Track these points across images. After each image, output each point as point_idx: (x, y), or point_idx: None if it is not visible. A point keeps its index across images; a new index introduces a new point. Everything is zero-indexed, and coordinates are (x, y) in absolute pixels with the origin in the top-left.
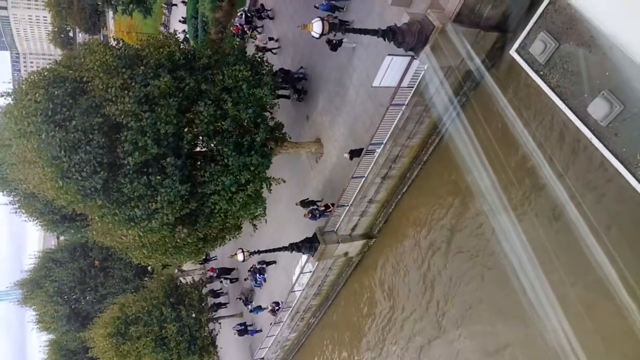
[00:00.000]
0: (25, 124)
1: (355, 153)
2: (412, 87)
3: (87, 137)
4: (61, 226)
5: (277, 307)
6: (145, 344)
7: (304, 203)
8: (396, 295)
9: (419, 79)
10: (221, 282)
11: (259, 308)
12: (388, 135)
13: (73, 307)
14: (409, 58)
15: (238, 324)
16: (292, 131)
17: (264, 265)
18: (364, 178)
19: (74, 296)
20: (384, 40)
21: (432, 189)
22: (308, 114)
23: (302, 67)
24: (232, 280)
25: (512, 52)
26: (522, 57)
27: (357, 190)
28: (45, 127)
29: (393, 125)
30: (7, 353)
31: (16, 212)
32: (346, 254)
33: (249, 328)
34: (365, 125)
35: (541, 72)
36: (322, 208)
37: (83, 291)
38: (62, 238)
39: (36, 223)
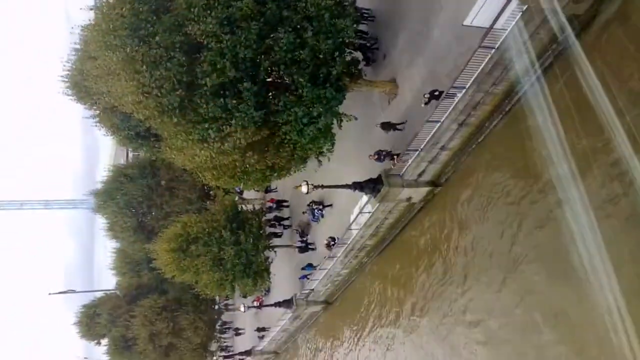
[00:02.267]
0: (111, 37)
1: (434, 96)
2: (506, 29)
3: (169, 54)
4: (135, 142)
5: (333, 243)
6: (204, 262)
7: (385, 125)
8: (454, 250)
9: (516, 20)
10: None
11: (310, 266)
12: (472, 80)
13: (140, 220)
14: None
15: (299, 240)
16: (367, 69)
17: (320, 207)
18: (439, 123)
19: (141, 211)
20: None
21: (510, 143)
22: (385, 53)
23: (375, 40)
24: (285, 227)
25: None
26: None
27: (430, 135)
28: (129, 42)
29: (479, 70)
30: (77, 255)
31: (96, 126)
32: (409, 199)
33: (309, 246)
34: (447, 67)
35: None
36: (388, 157)
37: (150, 207)
38: (131, 155)
39: (112, 137)
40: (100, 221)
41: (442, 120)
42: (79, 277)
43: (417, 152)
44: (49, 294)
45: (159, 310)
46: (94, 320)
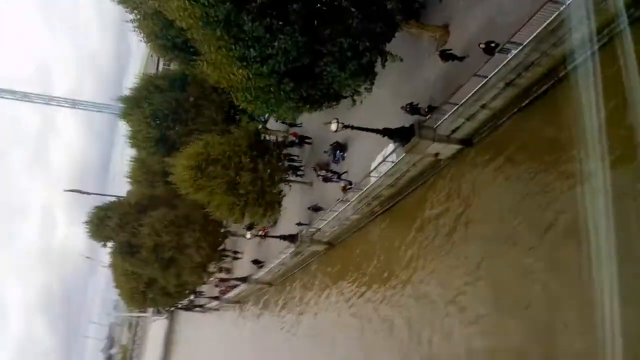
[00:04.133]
0: None
1: (489, 47)
2: None
3: None
4: (171, 53)
5: (349, 187)
6: (219, 184)
7: (445, 54)
8: (471, 217)
9: None
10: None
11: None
12: (532, 37)
13: (163, 133)
14: None
15: (324, 170)
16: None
17: (339, 151)
18: (486, 79)
19: (166, 124)
20: None
21: (554, 115)
22: None
23: None
24: (298, 175)
25: None
26: None
27: (474, 91)
28: None
29: (542, 26)
30: (95, 159)
31: (134, 31)
32: (437, 154)
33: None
34: (508, 21)
35: None
36: (426, 110)
37: (174, 121)
38: (161, 68)
39: (149, 45)
40: (122, 128)
41: (489, 76)
42: (93, 179)
43: (457, 106)
44: (64, 190)
45: (166, 223)
46: (104, 222)
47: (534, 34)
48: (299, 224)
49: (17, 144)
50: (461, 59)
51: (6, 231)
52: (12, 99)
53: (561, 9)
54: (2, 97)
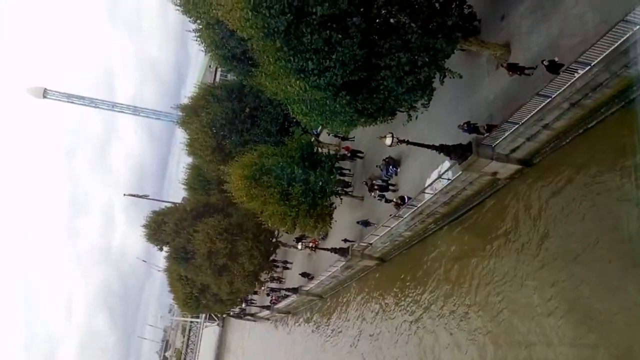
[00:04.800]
0: None
1: (553, 65)
2: None
3: None
4: (229, 63)
5: (402, 202)
6: (272, 194)
7: (512, 66)
8: (532, 240)
9: None
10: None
11: (366, 223)
12: (601, 57)
13: (219, 142)
14: None
15: (379, 180)
16: (480, 28)
17: (392, 166)
18: (549, 99)
19: (222, 133)
20: None
21: (628, 137)
22: (504, 14)
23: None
24: (347, 193)
25: None
26: None
27: (535, 110)
28: None
29: (612, 47)
30: (152, 164)
31: (196, 40)
32: (495, 174)
33: (390, 187)
34: (573, 41)
35: None
36: (485, 128)
37: (230, 131)
38: (218, 79)
39: (209, 55)
40: (180, 136)
41: (553, 96)
42: (150, 182)
43: (517, 125)
44: (124, 194)
45: (220, 231)
46: (160, 227)
47: (604, 55)
48: (346, 240)
49: (83, 145)
50: (528, 70)
51: (71, 228)
52: (81, 104)
53: (634, 29)
54: (72, 102)
